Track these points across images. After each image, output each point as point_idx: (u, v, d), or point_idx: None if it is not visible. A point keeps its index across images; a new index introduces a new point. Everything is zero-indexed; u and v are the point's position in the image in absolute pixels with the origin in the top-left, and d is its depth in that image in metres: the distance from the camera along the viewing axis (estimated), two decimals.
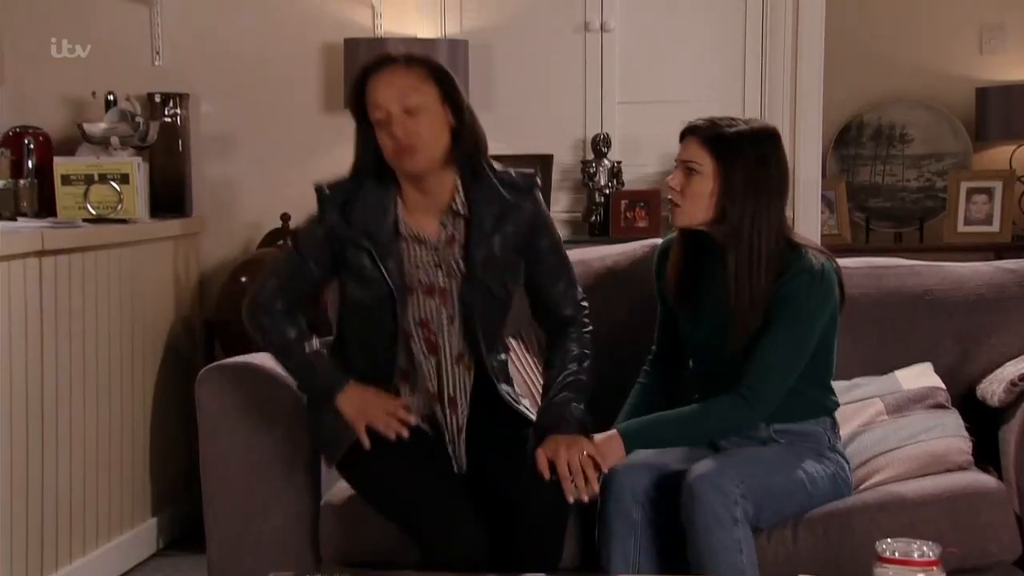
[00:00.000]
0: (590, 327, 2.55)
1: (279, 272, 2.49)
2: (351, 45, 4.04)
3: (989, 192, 5.08)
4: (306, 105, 4.22)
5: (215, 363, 2.74)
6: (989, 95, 5.10)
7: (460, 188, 2.46)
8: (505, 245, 2.46)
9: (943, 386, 2.68)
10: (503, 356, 2.58)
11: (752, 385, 2.37)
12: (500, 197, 2.46)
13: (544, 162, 4.13)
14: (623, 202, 4.14)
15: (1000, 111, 5.08)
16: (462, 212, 2.46)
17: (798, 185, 4.16)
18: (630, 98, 4.21)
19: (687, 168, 2.45)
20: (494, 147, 4.02)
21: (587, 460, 2.34)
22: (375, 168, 2.44)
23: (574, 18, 4.20)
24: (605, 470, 2.38)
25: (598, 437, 2.39)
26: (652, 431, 2.42)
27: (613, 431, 2.41)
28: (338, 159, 4.11)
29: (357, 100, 2.43)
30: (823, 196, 4.73)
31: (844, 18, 4.67)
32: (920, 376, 2.70)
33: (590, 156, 4.18)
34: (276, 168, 4.20)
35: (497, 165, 2.52)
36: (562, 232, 4.11)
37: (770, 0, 4.15)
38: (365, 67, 2.44)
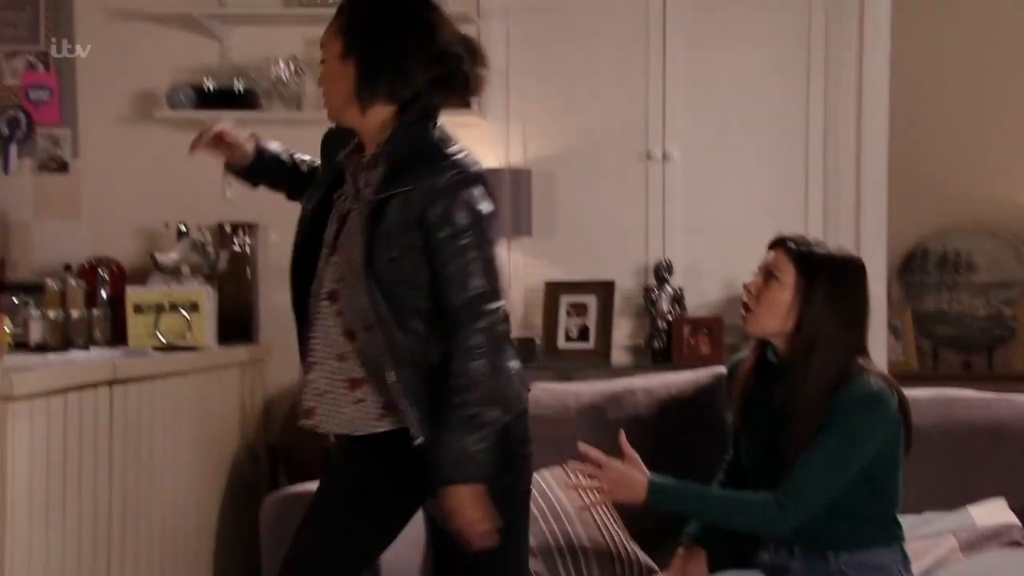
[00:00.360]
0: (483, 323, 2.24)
1: None
2: None
3: None
4: None
5: (279, 491, 2.75)
6: None
7: (388, 136, 2.30)
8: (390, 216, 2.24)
9: (1019, 523, 2.61)
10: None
11: (787, 494, 2.34)
12: (402, 161, 2.27)
13: (606, 288, 4.17)
14: (686, 328, 4.13)
15: None
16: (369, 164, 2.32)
17: None
18: (692, 224, 4.25)
19: (768, 274, 2.47)
20: (556, 272, 4.19)
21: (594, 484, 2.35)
22: None
23: (636, 147, 4.26)
24: (607, 500, 2.40)
25: (626, 469, 2.37)
26: (680, 495, 2.41)
27: (645, 478, 2.38)
28: None
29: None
30: (889, 324, 4.70)
31: (907, 144, 4.69)
32: (994, 512, 2.64)
33: (652, 282, 4.19)
34: None
35: (449, 138, 2.35)
36: (624, 358, 4.22)
37: (833, 126, 4.19)
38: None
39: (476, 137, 4.25)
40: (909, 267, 5.32)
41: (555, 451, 2.83)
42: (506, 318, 2.32)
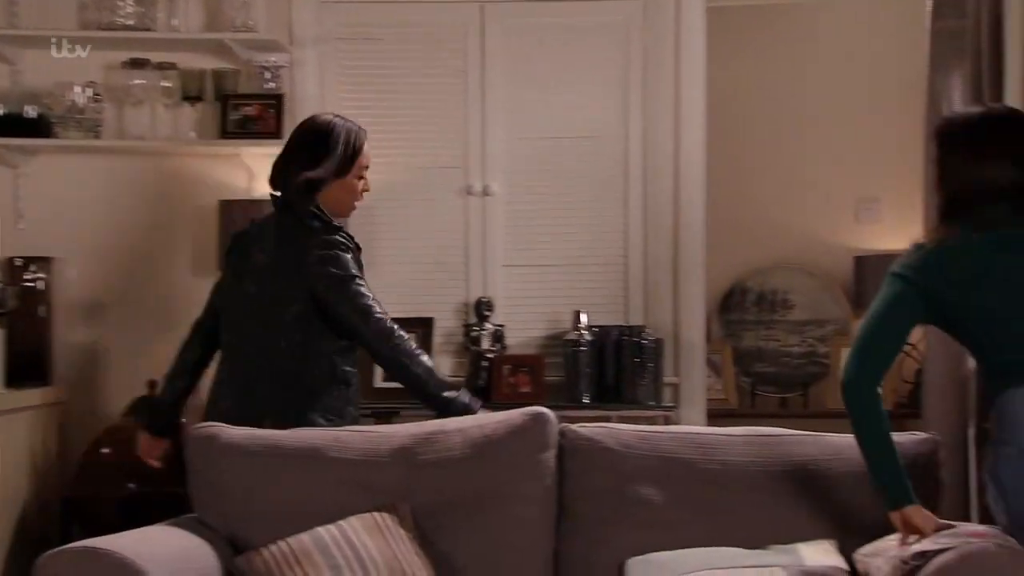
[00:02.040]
0: None
1: None
2: (226, 207, 3.95)
3: None
4: (175, 268, 4.10)
5: (56, 549, 2.52)
6: (866, 263, 5.18)
7: None
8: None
9: (846, 567, 2.59)
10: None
11: None
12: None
13: (425, 325, 4.08)
14: (505, 367, 4.05)
15: (877, 279, 5.00)
16: None
17: (681, 349, 4.15)
18: (513, 260, 4.19)
19: None
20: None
21: None
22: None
23: (456, 181, 4.19)
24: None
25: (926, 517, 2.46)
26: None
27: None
28: None
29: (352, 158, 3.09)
30: (709, 360, 4.73)
31: (726, 187, 4.77)
32: (823, 553, 2.62)
33: (473, 319, 4.10)
34: (143, 334, 4.05)
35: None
36: None
37: (652, 164, 4.19)
38: (358, 135, 3.12)
39: None
40: (728, 305, 5.37)
41: (365, 496, 2.72)
42: None
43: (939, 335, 4.06)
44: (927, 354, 4.17)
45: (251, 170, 4.12)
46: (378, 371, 4.04)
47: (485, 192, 4.18)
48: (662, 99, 4.18)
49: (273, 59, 4.09)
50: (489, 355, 4.06)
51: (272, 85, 4.11)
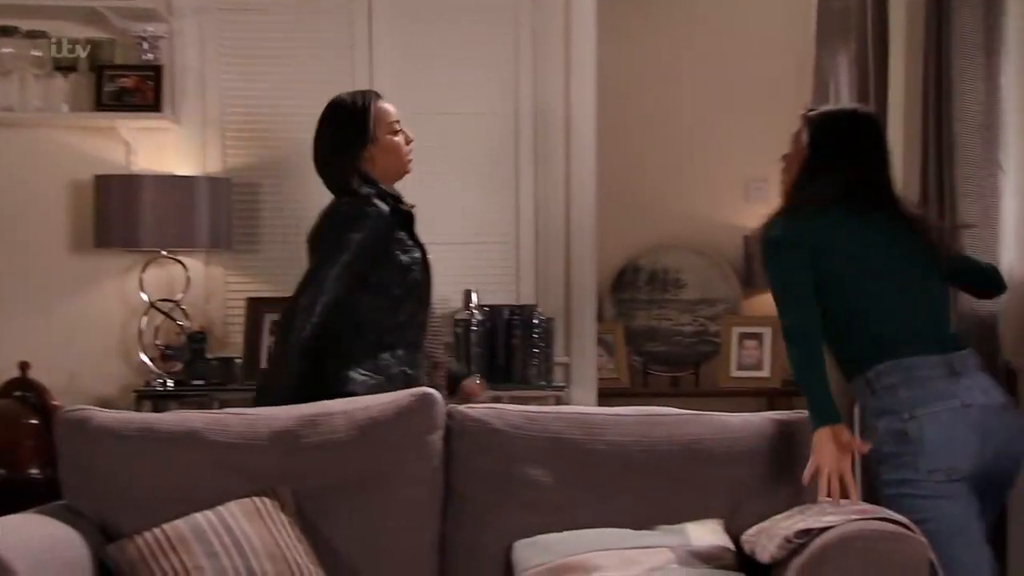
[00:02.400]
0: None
1: None
2: (102, 182, 3.81)
3: (759, 338, 5.16)
4: (50, 245, 3.93)
5: None
6: (752, 242, 5.22)
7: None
8: None
9: (732, 547, 2.59)
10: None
11: None
12: None
13: None
14: None
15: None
16: None
17: (573, 329, 4.13)
18: None
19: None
20: (259, 288, 3.95)
21: None
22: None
23: None
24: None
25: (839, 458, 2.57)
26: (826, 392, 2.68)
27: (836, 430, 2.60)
28: (86, 302, 3.92)
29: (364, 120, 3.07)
30: (602, 339, 4.71)
31: (617, 165, 4.76)
32: (710, 533, 2.62)
33: None
34: (16, 313, 3.88)
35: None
36: None
37: (543, 144, 4.15)
38: (364, 95, 3.14)
39: (168, 143, 3.99)
40: (620, 284, 5.36)
41: (245, 480, 2.63)
42: None
43: None
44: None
45: (129, 144, 3.98)
46: (263, 354, 3.94)
47: None
48: (552, 77, 4.13)
49: (151, 29, 3.94)
50: None
51: (150, 56, 3.96)
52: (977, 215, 3.11)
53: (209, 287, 3.99)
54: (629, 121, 5.10)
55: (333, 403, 2.84)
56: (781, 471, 2.74)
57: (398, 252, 3.09)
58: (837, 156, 2.78)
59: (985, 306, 3.04)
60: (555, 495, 2.67)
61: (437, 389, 2.93)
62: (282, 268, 3.93)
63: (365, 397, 2.89)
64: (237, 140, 4.05)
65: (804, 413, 2.77)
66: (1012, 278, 3.02)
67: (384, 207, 3.07)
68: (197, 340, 3.80)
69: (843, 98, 4.08)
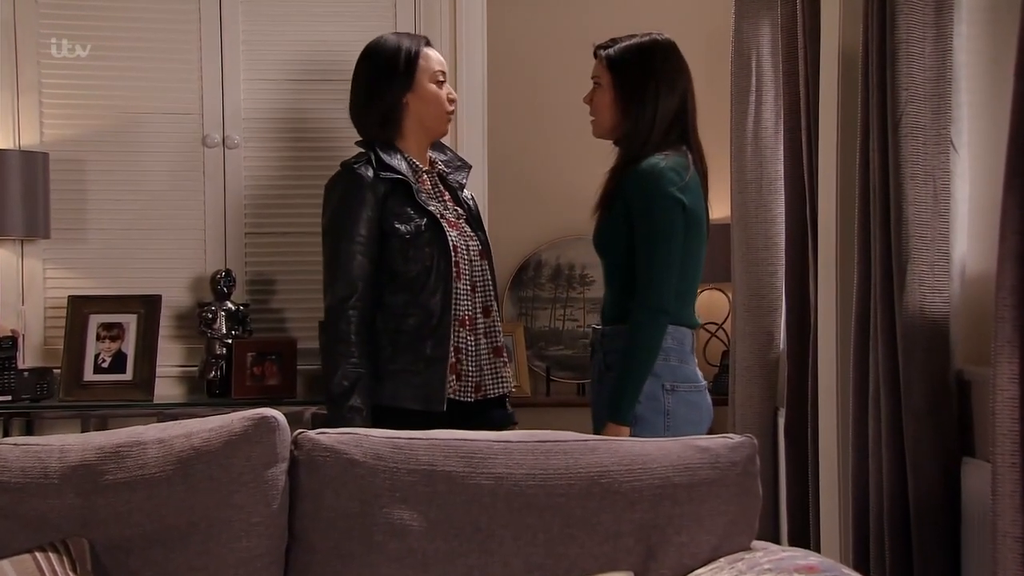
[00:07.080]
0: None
1: None
2: None
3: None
4: None
5: None
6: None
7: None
8: None
9: None
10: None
11: None
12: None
13: (150, 304, 3.54)
14: (249, 355, 3.52)
15: None
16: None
17: None
18: (259, 227, 3.62)
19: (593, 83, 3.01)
20: (84, 285, 3.43)
21: None
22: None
23: (190, 130, 3.59)
24: None
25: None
26: (635, 392, 2.90)
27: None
28: None
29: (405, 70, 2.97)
30: None
31: (515, 152, 4.50)
32: None
33: (209, 298, 3.55)
34: None
35: None
36: (172, 391, 3.59)
37: None
38: (412, 39, 3.02)
39: None
40: (521, 281, 4.94)
41: (26, 530, 2.21)
42: None
43: (749, 316, 3.79)
44: (734, 336, 3.92)
45: None
46: (88, 364, 3.40)
47: (226, 143, 3.56)
48: (438, 48, 3.64)
49: None
50: (228, 340, 3.51)
51: None
52: (927, 200, 2.74)
53: (24, 283, 3.50)
54: (528, 101, 4.79)
55: (145, 429, 2.39)
56: (703, 511, 2.33)
57: (395, 222, 2.88)
58: (651, 88, 2.98)
59: (936, 307, 2.65)
60: (426, 544, 2.27)
61: (498, 377, 3.03)
62: (111, 261, 3.52)
63: (187, 422, 2.42)
64: (58, 108, 3.52)
65: (733, 438, 2.38)
66: (966, 274, 2.70)
67: (366, 172, 2.88)
68: (5, 347, 3.27)
69: (766, 72, 3.81)
